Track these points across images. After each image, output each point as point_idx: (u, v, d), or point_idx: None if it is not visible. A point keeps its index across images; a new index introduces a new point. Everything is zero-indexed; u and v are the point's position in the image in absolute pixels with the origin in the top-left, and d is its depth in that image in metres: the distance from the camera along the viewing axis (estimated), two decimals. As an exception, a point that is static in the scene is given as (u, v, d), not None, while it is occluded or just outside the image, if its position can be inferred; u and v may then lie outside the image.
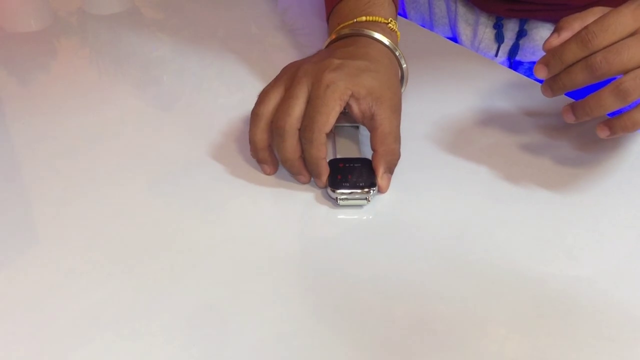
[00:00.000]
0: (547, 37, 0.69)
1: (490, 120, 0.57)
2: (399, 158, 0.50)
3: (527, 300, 0.41)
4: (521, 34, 0.70)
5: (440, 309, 0.40)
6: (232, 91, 0.61)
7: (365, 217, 0.47)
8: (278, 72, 0.52)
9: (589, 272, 0.43)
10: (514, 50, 0.72)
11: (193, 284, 0.41)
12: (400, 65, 0.55)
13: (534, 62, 0.72)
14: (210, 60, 0.66)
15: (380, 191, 0.49)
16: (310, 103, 0.48)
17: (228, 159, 0.52)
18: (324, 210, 0.47)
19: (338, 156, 0.51)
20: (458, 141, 0.55)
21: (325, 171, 0.48)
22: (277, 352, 0.37)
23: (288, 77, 0.50)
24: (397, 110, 0.50)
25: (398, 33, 0.56)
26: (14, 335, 0.38)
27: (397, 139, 0.50)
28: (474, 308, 0.40)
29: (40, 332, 0.38)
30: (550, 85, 0.48)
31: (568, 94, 0.69)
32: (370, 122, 0.49)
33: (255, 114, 0.50)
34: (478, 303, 0.40)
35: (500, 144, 0.54)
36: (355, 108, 0.49)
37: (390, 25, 0.55)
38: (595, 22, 0.45)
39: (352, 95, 0.48)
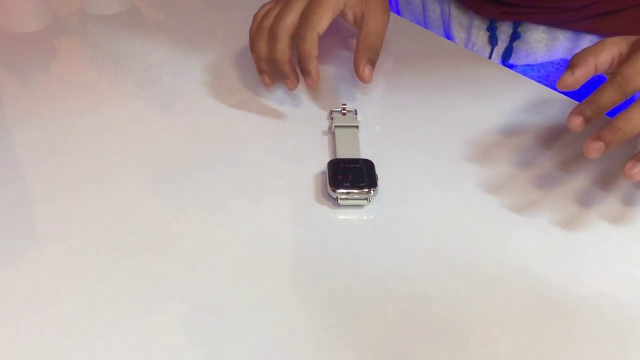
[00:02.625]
0: (540, 38, 0.69)
1: (490, 120, 0.57)
2: (378, 54, 0.55)
3: (527, 300, 0.41)
4: (515, 36, 0.70)
5: (440, 309, 0.40)
6: (232, 91, 0.61)
7: (365, 217, 0.47)
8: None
9: (589, 272, 0.43)
10: (507, 53, 0.71)
11: (193, 284, 0.41)
12: None
13: (527, 65, 0.72)
14: (210, 60, 0.66)
15: (363, 81, 0.54)
16: (306, 7, 0.53)
17: (228, 159, 0.52)
18: (324, 210, 0.47)
19: (338, 156, 0.51)
20: (458, 141, 0.55)
21: (314, 68, 0.52)
22: (277, 352, 0.37)
23: None
24: (383, 11, 0.55)
25: None
26: (14, 335, 0.38)
27: (380, 37, 0.54)
28: (474, 308, 0.40)
29: (40, 332, 0.38)
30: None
31: (552, 86, 0.69)
32: (360, 22, 0.55)
33: (257, 27, 0.55)
34: (478, 303, 0.40)
35: (501, 145, 0.54)
36: (349, 14, 0.55)
37: None
38: (628, 64, 0.44)
39: (346, 4, 0.54)
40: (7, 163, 0.52)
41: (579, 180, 0.50)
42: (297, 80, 0.55)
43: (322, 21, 0.52)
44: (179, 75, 0.64)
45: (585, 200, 0.48)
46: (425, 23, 0.79)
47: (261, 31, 0.55)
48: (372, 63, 0.54)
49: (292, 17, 0.53)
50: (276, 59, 0.54)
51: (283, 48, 0.53)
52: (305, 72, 0.53)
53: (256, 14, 0.58)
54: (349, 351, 0.37)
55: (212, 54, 0.67)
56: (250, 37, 0.58)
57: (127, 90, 0.62)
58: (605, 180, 0.50)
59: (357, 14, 0.55)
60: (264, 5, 0.58)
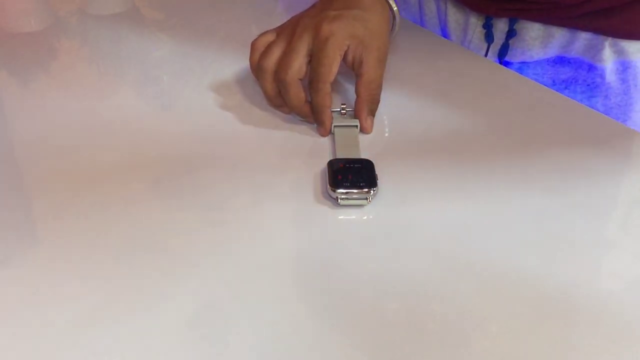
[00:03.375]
0: (536, 35, 0.69)
1: (488, 118, 0.57)
2: (379, 103, 0.56)
3: (526, 300, 0.41)
4: (511, 34, 0.70)
5: (440, 309, 0.40)
6: (232, 91, 0.61)
7: (365, 217, 0.47)
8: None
9: (589, 272, 0.43)
10: (503, 50, 0.71)
11: (193, 284, 0.41)
12: (391, 8, 0.59)
13: (523, 63, 0.72)
14: (210, 60, 0.67)
15: (365, 132, 0.55)
16: (313, 57, 0.53)
17: (228, 158, 0.52)
18: (324, 210, 0.47)
19: (338, 156, 0.51)
20: (457, 141, 0.55)
21: (328, 119, 0.54)
22: (277, 352, 0.37)
23: (289, 32, 0.55)
24: (383, 59, 0.56)
25: None
26: (13, 335, 0.38)
27: (380, 86, 0.56)
28: (474, 308, 0.40)
29: (40, 332, 0.38)
30: None
31: (554, 87, 0.69)
32: (358, 68, 0.55)
33: (260, 68, 0.55)
34: (478, 303, 0.40)
35: (500, 143, 0.54)
36: (349, 56, 0.54)
37: None
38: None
39: (349, 45, 0.53)
40: (7, 163, 0.52)
41: (578, 180, 0.50)
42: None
43: (332, 70, 0.53)
44: (179, 75, 0.64)
45: (586, 200, 0.48)
46: (421, 21, 0.79)
47: (264, 73, 0.55)
48: (373, 113, 0.56)
49: (298, 63, 0.53)
50: (293, 105, 0.55)
51: (297, 94, 0.54)
52: (319, 123, 0.55)
53: (255, 43, 0.57)
54: (348, 351, 0.37)
55: (212, 54, 0.67)
56: (252, 67, 0.57)
57: (127, 90, 0.62)
58: (606, 180, 0.50)
59: (355, 58, 0.54)
60: (262, 36, 0.57)
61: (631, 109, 0.68)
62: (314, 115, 0.55)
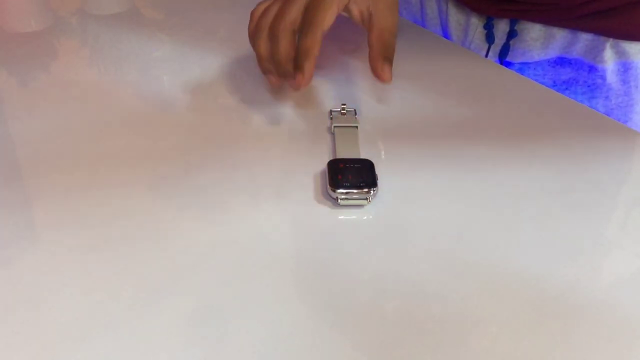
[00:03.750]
0: (536, 36, 0.69)
1: (489, 119, 0.57)
2: (394, 52, 0.52)
3: (526, 301, 0.41)
4: (512, 34, 0.70)
5: (439, 310, 0.40)
6: (232, 91, 0.61)
7: (365, 217, 0.47)
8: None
9: (589, 272, 0.43)
10: (504, 51, 0.72)
11: (193, 284, 0.41)
12: None
13: (524, 63, 0.72)
14: (210, 60, 0.67)
15: (384, 81, 0.52)
16: (309, 5, 0.50)
17: (228, 158, 0.52)
18: (324, 210, 0.47)
19: (338, 156, 0.51)
20: (458, 141, 0.55)
21: (310, 67, 0.49)
22: (277, 352, 0.37)
23: None
24: (393, 7, 0.53)
25: None
26: (14, 335, 0.38)
27: (394, 34, 0.52)
28: (474, 308, 0.40)
29: (40, 333, 0.38)
30: None
31: (555, 88, 0.69)
32: (368, 21, 0.52)
33: (258, 28, 0.53)
34: (478, 303, 0.40)
35: (500, 144, 0.54)
36: (355, 10, 0.52)
37: None
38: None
39: (350, 0, 0.51)
40: (7, 163, 0.52)
41: (579, 180, 0.50)
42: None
43: (327, 18, 0.50)
44: (179, 75, 0.64)
45: (586, 200, 0.48)
46: (422, 22, 0.79)
47: (261, 30, 0.53)
48: (390, 61, 0.52)
49: (293, 14, 0.51)
50: (278, 59, 0.52)
51: (285, 47, 0.51)
52: (299, 68, 0.50)
53: (253, 11, 0.56)
54: (348, 350, 0.37)
55: (212, 54, 0.67)
56: (249, 35, 0.56)
57: (127, 90, 0.62)
58: (607, 181, 0.50)
59: (363, 12, 0.52)
60: (260, 3, 0.56)
61: (632, 110, 0.68)
62: (296, 61, 0.50)
